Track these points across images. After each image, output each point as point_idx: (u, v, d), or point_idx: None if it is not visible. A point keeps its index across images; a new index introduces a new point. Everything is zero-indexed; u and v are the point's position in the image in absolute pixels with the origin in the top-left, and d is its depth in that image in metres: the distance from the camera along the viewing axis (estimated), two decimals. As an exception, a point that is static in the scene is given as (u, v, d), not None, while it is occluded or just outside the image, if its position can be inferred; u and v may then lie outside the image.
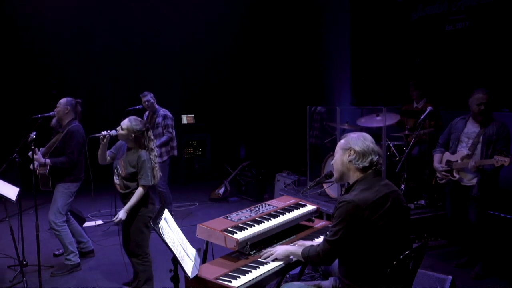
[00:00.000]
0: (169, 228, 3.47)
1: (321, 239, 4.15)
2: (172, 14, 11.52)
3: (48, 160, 5.80)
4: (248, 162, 10.29)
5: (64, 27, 10.65)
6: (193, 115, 11.77)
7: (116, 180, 5.08)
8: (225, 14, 11.69)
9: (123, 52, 11.29)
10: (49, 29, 10.63)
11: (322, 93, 10.69)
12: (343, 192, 3.49)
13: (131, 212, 4.96)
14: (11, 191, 5.45)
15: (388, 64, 9.29)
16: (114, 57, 11.25)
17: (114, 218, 4.90)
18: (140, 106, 7.85)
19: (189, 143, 11.57)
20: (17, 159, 5.61)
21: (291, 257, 3.62)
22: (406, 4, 8.67)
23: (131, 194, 4.99)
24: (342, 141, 3.37)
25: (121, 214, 4.88)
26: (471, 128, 5.65)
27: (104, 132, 5.04)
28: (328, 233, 3.23)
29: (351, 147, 3.27)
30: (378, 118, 7.35)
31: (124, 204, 5.07)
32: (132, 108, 7.60)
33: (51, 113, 6.05)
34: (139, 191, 4.93)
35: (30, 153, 5.65)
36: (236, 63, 12.07)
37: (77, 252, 6.12)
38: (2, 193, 5.37)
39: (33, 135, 5.44)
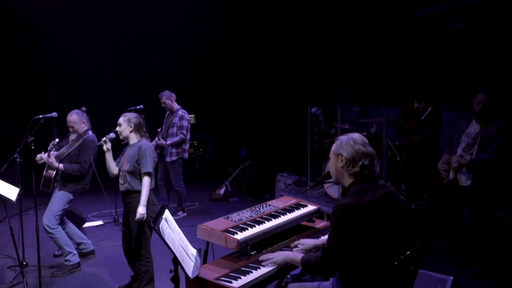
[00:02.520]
0: (170, 228, 3.46)
1: (321, 239, 4.15)
2: (173, 13, 11.50)
3: (61, 166, 5.85)
4: (248, 162, 10.27)
5: (64, 27, 10.62)
6: (193, 115, 11.75)
7: (120, 180, 5.13)
8: (226, 14, 11.68)
9: (123, 52, 11.28)
10: (49, 29, 10.62)
11: (323, 93, 10.66)
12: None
13: (133, 214, 4.96)
14: (11, 192, 5.43)
15: (389, 64, 9.26)
16: (114, 57, 11.24)
17: (137, 217, 4.89)
18: (141, 106, 7.81)
19: (190, 143, 11.52)
20: (18, 160, 5.60)
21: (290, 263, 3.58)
22: (407, 4, 8.65)
23: (133, 192, 5.03)
24: (334, 144, 3.30)
25: (141, 210, 4.90)
26: (472, 128, 5.66)
27: (104, 138, 5.19)
28: (326, 241, 3.20)
29: (341, 153, 3.21)
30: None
31: (126, 203, 5.12)
32: (132, 108, 7.59)
33: (52, 114, 6.05)
34: (146, 180, 4.97)
35: (45, 155, 5.71)
36: (236, 63, 12.05)
37: (75, 252, 6.09)
38: (2, 193, 5.36)
39: (55, 141, 5.61)
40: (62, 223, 6.10)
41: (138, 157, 4.98)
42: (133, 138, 5.13)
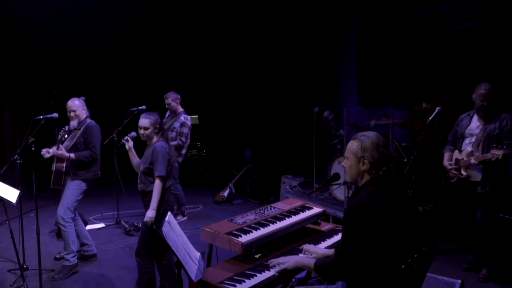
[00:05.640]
0: (173, 231, 3.43)
1: (326, 242, 4.12)
2: (174, 13, 11.45)
3: (72, 155, 5.85)
4: (253, 164, 10.20)
5: (64, 27, 10.58)
6: (197, 116, 11.67)
7: (139, 180, 5.10)
8: (228, 15, 11.64)
9: (125, 51, 11.23)
10: (49, 29, 10.57)
11: (328, 94, 10.59)
12: (349, 195, 3.42)
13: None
14: (11, 193, 5.37)
15: (396, 64, 9.19)
16: (116, 57, 11.19)
17: (145, 219, 4.84)
18: (143, 107, 7.74)
19: (193, 145, 11.44)
20: (18, 161, 5.54)
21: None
22: (415, 3, 8.58)
23: (147, 192, 4.99)
24: (354, 145, 3.18)
25: (149, 213, 4.85)
26: (475, 124, 5.59)
27: (126, 137, 5.22)
28: (339, 245, 3.17)
29: (364, 156, 3.12)
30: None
31: (143, 202, 5.08)
32: (134, 108, 7.53)
33: (53, 115, 5.98)
34: (157, 184, 4.90)
35: (53, 148, 5.75)
36: (241, 63, 12.00)
37: (76, 253, 6.05)
38: (2, 195, 5.29)
39: (66, 127, 5.64)
40: (73, 217, 6.08)
41: (152, 159, 4.94)
42: (154, 139, 5.08)
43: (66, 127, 5.76)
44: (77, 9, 10.56)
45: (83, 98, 6.28)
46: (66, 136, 5.85)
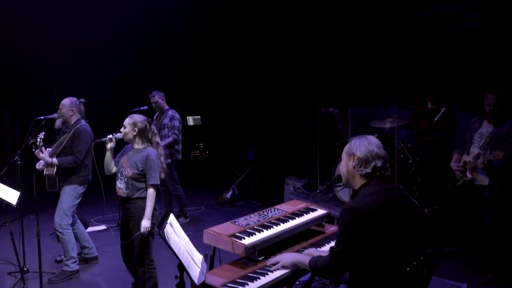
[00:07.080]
0: (175, 233, 3.40)
1: (331, 245, 4.08)
2: (176, 13, 11.42)
3: (55, 160, 5.72)
4: (256, 165, 10.15)
5: (64, 27, 10.55)
6: (199, 117, 11.62)
7: (119, 185, 4.94)
8: (231, 15, 11.61)
9: (126, 52, 11.19)
10: (49, 29, 10.53)
11: (332, 94, 10.54)
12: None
13: (135, 219, 4.83)
14: (11, 195, 5.32)
15: (401, 64, 9.14)
16: (117, 57, 11.15)
17: (142, 231, 4.74)
18: (145, 107, 7.70)
19: (195, 146, 11.41)
20: (18, 162, 5.49)
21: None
22: (420, 2, 8.54)
23: (133, 199, 4.87)
24: (347, 145, 3.31)
25: (145, 223, 4.75)
26: (485, 128, 5.60)
27: (110, 136, 5.00)
28: (334, 244, 3.18)
29: (354, 153, 3.20)
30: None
31: (125, 209, 4.97)
32: (136, 109, 7.47)
33: (54, 115, 5.97)
34: (151, 192, 4.82)
35: (37, 151, 5.56)
36: (244, 64, 11.97)
37: (77, 259, 5.99)
38: (2, 197, 5.24)
39: (41, 134, 5.44)
40: (72, 222, 6.01)
41: (144, 167, 4.81)
42: (138, 143, 4.95)
43: (42, 133, 5.56)
44: (77, 9, 10.53)
45: (82, 100, 6.16)
46: (42, 143, 5.62)
